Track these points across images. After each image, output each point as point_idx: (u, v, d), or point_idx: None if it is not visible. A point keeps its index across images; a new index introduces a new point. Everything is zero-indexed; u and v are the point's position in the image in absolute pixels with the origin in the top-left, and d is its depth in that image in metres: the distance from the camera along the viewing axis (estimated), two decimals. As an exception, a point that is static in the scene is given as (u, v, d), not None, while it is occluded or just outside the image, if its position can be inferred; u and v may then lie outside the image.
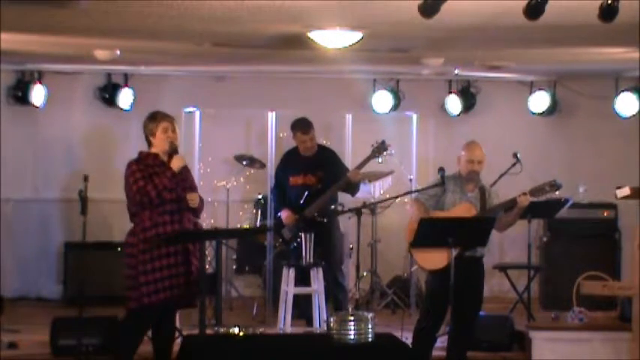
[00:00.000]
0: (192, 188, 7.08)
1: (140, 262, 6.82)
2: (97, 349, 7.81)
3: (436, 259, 7.03)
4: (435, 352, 7.42)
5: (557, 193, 7.20)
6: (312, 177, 9.04)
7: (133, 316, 6.97)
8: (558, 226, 10.47)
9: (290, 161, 9.28)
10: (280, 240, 9.24)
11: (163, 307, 6.95)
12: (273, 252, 9.67)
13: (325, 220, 8.87)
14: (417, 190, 7.25)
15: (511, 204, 7.08)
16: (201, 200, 7.12)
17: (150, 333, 7.32)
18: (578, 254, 10.25)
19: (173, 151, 6.94)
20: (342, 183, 8.83)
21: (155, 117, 7.00)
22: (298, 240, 8.79)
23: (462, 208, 7.09)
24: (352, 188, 9.06)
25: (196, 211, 7.08)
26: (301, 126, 9.14)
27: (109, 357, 7.46)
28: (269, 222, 9.82)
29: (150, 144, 7.00)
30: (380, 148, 8.76)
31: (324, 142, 10.03)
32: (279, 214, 9.22)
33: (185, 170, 7.05)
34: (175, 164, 6.89)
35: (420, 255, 7.19)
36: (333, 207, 8.81)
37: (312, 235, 8.71)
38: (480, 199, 7.13)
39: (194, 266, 6.92)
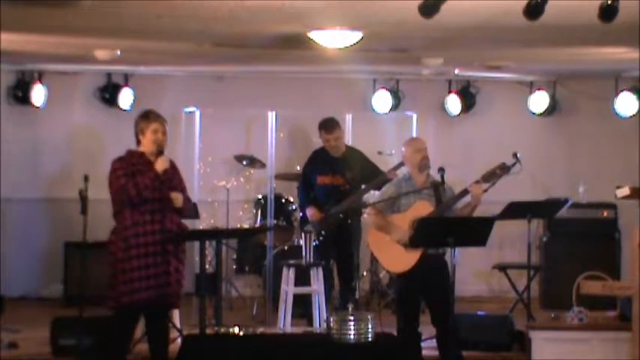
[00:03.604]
0: (180, 188, 7.03)
1: (119, 260, 6.80)
2: (97, 349, 7.81)
3: (402, 261, 7.06)
4: (433, 352, 7.43)
5: (509, 173, 7.21)
6: (340, 177, 9.04)
7: (116, 315, 6.94)
8: (558, 226, 10.45)
9: (318, 160, 9.28)
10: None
11: (142, 308, 6.89)
12: (272, 252, 9.68)
13: (350, 222, 8.92)
14: (416, 190, 7.24)
15: (464, 194, 7.11)
16: (188, 201, 7.09)
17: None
18: (578, 254, 10.24)
19: (159, 152, 6.92)
20: (377, 182, 8.73)
21: (148, 116, 6.99)
22: (320, 238, 8.86)
23: (418, 206, 7.11)
24: None
25: (181, 212, 7.02)
26: (325, 125, 9.18)
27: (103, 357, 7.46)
28: (269, 222, 9.83)
29: (138, 142, 6.99)
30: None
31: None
32: (300, 211, 9.32)
33: (172, 172, 7.02)
34: (159, 165, 6.86)
35: (385, 258, 7.24)
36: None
37: (311, 235, 8.75)
38: (435, 194, 7.15)
39: (173, 267, 6.85)
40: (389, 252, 7.12)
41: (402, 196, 7.16)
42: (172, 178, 7.01)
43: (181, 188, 7.07)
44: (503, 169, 7.17)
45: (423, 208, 7.08)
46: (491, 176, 7.17)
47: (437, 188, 7.14)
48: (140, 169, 6.84)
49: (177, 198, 6.92)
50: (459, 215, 7.16)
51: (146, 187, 6.79)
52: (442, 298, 6.91)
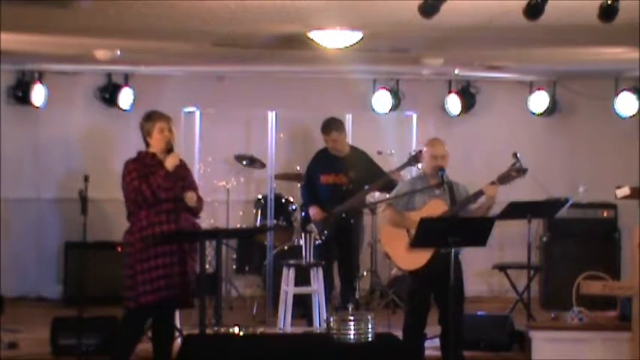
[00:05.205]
0: (192, 188, 7.10)
1: (137, 261, 6.84)
2: (97, 349, 7.82)
3: (414, 259, 7.08)
4: (434, 352, 7.43)
5: (525, 175, 7.29)
6: (343, 177, 9.07)
7: (130, 315, 6.97)
8: (558, 226, 10.46)
9: (322, 160, 9.32)
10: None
11: (159, 307, 6.95)
12: (273, 252, 9.68)
13: (352, 222, 8.92)
14: (417, 190, 7.24)
15: (479, 195, 7.15)
16: (200, 200, 7.14)
17: (150, 333, 7.33)
18: (578, 254, 10.25)
19: (169, 149, 6.95)
20: (381, 182, 8.75)
21: (151, 117, 7.04)
22: (323, 238, 8.86)
23: (432, 205, 7.12)
24: (391, 188, 9.08)
25: (194, 211, 7.09)
26: (323, 127, 9.27)
27: (108, 357, 7.46)
28: (269, 222, 9.83)
29: (147, 144, 7.02)
30: (416, 158, 8.40)
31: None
32: (303, 210, 9.34)
33: (184, 170, 7.08)
34: (169, 163, 6.91)
35: (398, 256, 7.24)
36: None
37: (312, 235, 8.76)
38: (449, 194, 7.16)
39: (189, 266, 6.93)
40: (402, 249, 7.12)
41: (417, 194, 7.17)
42: (185, 177, 7.06)
43: (194, 187, 7.12)
44: (519, 172, 7.23)
45: (437, 207, 7.09)
46: (507, 178, 7.23)
47: (451, 188, 7.16)
48: (152, 169, 6.89)
49: (192, 197, 6.98)
50: (473, 215, 7.17)
51: (159, 187, 6.84)
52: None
